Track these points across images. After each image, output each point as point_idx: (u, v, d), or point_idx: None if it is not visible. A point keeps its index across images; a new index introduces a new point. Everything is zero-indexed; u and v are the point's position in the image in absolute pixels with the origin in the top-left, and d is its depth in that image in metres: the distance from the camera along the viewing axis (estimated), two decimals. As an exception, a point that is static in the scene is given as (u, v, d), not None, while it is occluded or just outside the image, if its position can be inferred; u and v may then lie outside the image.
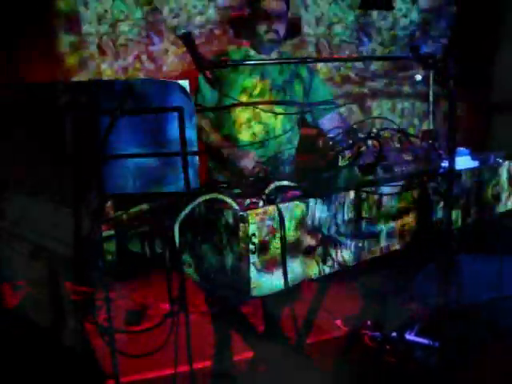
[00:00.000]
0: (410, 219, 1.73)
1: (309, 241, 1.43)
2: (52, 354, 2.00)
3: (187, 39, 1.61)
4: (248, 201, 1.39)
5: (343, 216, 1.52)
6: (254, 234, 1.29)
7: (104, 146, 1.33)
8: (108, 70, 3.55)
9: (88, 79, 3.37)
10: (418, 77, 3.36)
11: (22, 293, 2.19)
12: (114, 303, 1.63)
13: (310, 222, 1.43)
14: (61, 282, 1.86)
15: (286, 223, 1.35)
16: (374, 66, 4.02)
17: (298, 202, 1.41)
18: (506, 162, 2.20)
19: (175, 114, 1.30)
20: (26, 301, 2.16)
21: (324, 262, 1.47)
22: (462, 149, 2.09)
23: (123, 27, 3.58)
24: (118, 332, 1.60)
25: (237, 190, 1.53)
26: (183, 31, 1.60)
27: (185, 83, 1.33)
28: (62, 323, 2.00)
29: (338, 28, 4.02)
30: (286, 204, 1.38)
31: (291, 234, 1.38)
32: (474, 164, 2.07)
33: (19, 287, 2.21)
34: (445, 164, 1.78)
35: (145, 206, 1.58)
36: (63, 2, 3.46)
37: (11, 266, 2.08)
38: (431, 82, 2.04)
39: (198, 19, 3.70)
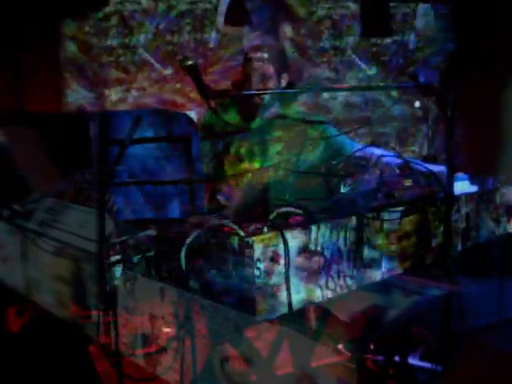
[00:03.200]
0: (410, 244, 1.76)
1: (312, 265, 1.46)
2: (57, 377, 2.00)
3: (192, 70, 1.65)
4: (252, 227, 1.42)
5: (345, 241, 1.55)
6: (258, 260, 1.32)
7: (112, 174, 1.38)
8: (114, 97, 3.61)
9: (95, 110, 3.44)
10: (417, 103, 3.42)
11: (25, 318, 2.20)
12: (121, 327, 1.64)
13: (313, 248, 1.46)
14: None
15: (290, 248, 1.39)
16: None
17: (301, 228, 1.45)
18: (505, 186, 2.23)
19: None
20: (30, 325, 2.17)
21: (327, 286, 1.51)
22: (460, 174, 2.13)
23: (130, 54, 3.65)
24: (124, 356, 1.62)
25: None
26: (189, 62, 1.65)
27: (192, 114, 1.37)
28: (66, 348, 2.01)
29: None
30: (290, 230, 1.42)
31: (295, 258, 1.41)
32: (473, 188, 2.11)
33: (23, 312, 2.22)
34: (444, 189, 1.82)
35: (151, 232, 1.62)
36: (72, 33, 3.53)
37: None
38: (429, 108, 2.08)
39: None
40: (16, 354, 2.10)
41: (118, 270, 1.63)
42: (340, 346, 2.61)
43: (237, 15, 4.02)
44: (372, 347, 2.47)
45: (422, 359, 2.35)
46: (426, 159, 2.08)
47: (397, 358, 2.37)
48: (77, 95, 3.58)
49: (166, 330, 1.48)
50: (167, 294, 1.45)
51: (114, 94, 3.59)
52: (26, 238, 1.82)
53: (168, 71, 3.62)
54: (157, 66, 3.63)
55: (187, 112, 1.36)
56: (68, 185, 1.77)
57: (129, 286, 1.55)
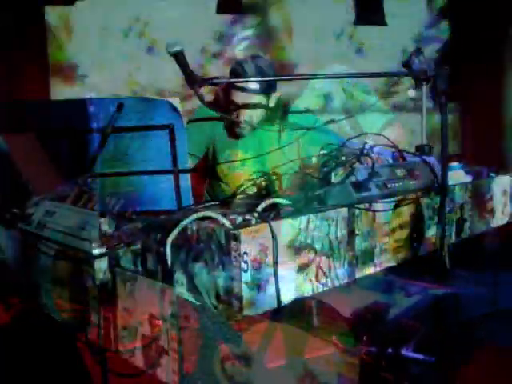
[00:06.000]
0: (403, 235, 1.73)
1: (301, 258, 1.42)
2: (43, 372, 1.97)
3: (179, 57, 1.61)
4: (240, 218, 1.38)
5: (336, 233, 1.51)
6: (245, 253, 1.28)
7: (95, 164, 1.33)
8: (100, 85, 3.55)
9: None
10: (411, 92, 3.38)
11: (13, 311, 2.17)
12: (107, 321, 1.61)
13: (302, 240, 1.42)
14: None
15: (279, 241, 1.34)
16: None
17: (290, 220, 1.40)
18: (500, 176, 2.20)
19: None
20: (18, 320, 2.13)
21: (317, 279, 1.46)
22: (455, 163, 2.10)
23: (116, 42, 3.59)
24: (109, 351, 1.58)
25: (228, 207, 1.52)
26: (175, 49, 1.61)
27: (175, 101, 1.33)
28: (53, 342, 1.98)
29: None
30: (279, 221, 1.37)
31: (284, 251, 1.37)
32: (468, 179, 2.08)
33: (11, 306, 2.19)
34: (438, 179, 1.78)
35: (137, 224, 1.57)
36: (55, 18, 3.47)
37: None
38: (424, 97, 2.05)
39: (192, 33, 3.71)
40: (4, 348, 2.06)
41: (104, 264, 1.59)
42: (333, 339, 2.59)
43: (229, 2, 3.98)
44: (365, 339, 2.45)
45: (414, 351, 2.33)
46: (419, 149, 2.03)
47: (390, 350, 2.34)
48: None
49: (165, 329, 1.44)
50: (167, 293, 1.41)
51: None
52: (25, 240, 1.81)
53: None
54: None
55: (170, 99, 1.31)
56: (69, 188, 1.76)
57: (128, 287, 1.51)
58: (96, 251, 1.55)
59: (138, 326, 1.51)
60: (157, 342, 1.43)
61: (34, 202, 1.89)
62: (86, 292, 1.63)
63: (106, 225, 1.56)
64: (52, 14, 3.47)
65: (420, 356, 2.27)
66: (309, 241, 1.43)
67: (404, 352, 2.34)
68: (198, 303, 1.37)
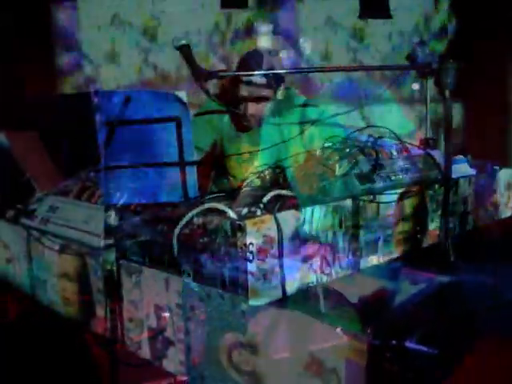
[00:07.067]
0: (407, 227, 1.74)
1: (306, 249, 1.43)
2: (52, 365, 1.99)
3: (185, 51, 1.62)
4: (245, 210, 1.39)
5: (340, 224, 1.52)
6: (251, 243, 1.29)
7: (101, 157, 1.35)
8: (108, 79, 3.56)
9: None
10: (415, 85, 3.38)
11: (22, 305, 2.19)
12: (113, 314, 1.63)
13: (307, 231, 1.43)
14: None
15: (284, 232, 1.36)
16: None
17: (295, 211, 1.42)
18: (503, 170, 2.20)
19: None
20: (25, 314, 2.15)
21: (322, 270, 1.48)
22: (459, 156, 2.10)
23: (124, 36, 3.59)
24: (117, 342, 1.60)
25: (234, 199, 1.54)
26: (181, 43, 1.62)
27: (182, 93, 1.34)
28: (61, 335, 2.00)
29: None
30: (284, 213, 1.39)
31: (288, 242, 1.39)
32: (472, 172, 2.08)
33: (20, 300, 2.21)
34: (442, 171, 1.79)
35: (143, 216, 1.59)
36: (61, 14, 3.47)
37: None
38: (427, 90, 2.05)
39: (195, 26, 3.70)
40: (12, 343, 2.08)
41: (109, 256, 1.60)
42: (338, 329, 2.60)
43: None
44: (368, 331, 2.45)
45: (418, 343, 2.34)
46: (424, 142, 2.04)
47: (393, 342, 2.35)
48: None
49: (171, 320, 1.46)
50: (171, 283, 1.43)
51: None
52: (30, 236, 1.83)
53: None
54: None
55: (177, 92, 1.33)
56: (73, 183, 1.77)
57: (134, 279, 1.53)
58: (101, 244, 1.57)
59: (145, 318, 1.53)
60: (163, 334, 1.45)
61: (38, 198, 1.90)
62: (92, 285, 1.64)
63: (110, 218, 1.57)
64: (58, 10, 3.48)
65: (423, 348, 2.28)
66: (313, 232, 1.45)
67: (408, 344, 2.35)
68: (204, 293, 1.38)
